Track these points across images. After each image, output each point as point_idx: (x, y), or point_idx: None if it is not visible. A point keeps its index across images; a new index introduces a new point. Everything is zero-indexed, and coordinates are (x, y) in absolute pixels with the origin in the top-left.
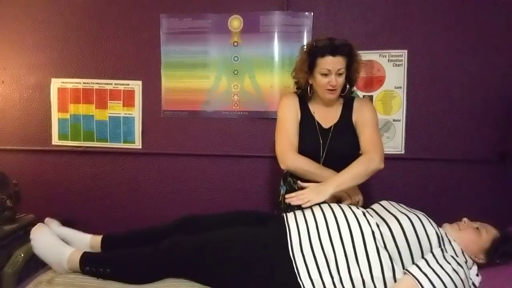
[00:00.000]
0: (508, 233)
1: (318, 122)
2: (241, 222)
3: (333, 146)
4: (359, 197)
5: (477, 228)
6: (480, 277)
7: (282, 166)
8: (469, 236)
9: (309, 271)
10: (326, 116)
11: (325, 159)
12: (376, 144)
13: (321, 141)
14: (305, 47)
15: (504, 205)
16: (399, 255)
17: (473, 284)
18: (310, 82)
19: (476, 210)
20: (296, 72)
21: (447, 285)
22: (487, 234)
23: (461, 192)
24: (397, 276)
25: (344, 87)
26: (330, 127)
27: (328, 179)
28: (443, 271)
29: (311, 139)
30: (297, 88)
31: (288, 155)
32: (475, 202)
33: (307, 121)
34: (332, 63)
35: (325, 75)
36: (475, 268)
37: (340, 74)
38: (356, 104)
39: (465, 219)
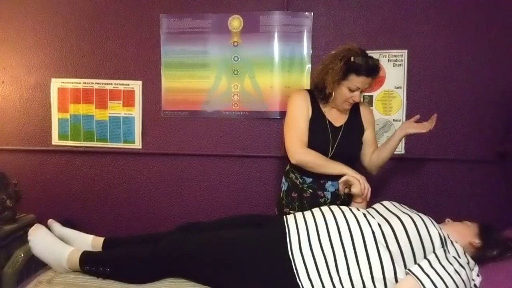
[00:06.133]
0: (486, 223)
1: (329, 121)
2: (240, 224)
3: (342, 144)
4: (367, 185)
5: (460, 222)
6: (480, 277)
7: (292, 161)
8: (458, 226)
9: (308, 271)
10: (336, 116)
11: (332, 156)
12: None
13: (331, 139)
14: (339, 56)
15: (504, 205)
16: (402, 255)
17: (475, 285)
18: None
19: (476, 210)
20: (325, 77)
21: (449, 286)
22: (472, 223)
23: (461, 192)
24: (398, 277)
25: None
26: (341, 125)
27: (337, 169)
28: (445, 272)
29: (321, 136)
30: (316, 90)
31: (298, 149)
32: (475, 202)
33: (317, 118)
34: (363, 82)
35: (352, 90)
36: (476, 269)
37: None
38: (361, 108)
39: (448, 219)
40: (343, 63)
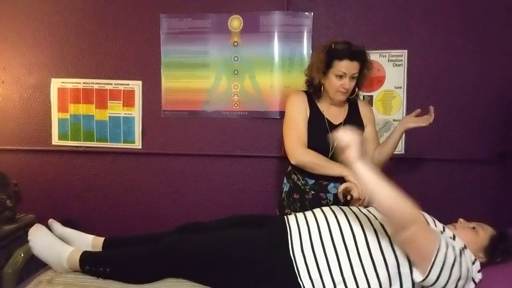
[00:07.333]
0: (504, 230)
1: (327, 120)
2: (241, 224)
3: None
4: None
5: (473, 228)
6: (480, 274)
7: (292, 161)
8: (466, 236)
9: (309, 271)
10: (335, 114)
11: (333, 155)
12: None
13: (331, 138)
14: (322, 47)
15: (504, 205)
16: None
17: (473, 279)
18: (323, 82)
19: (476, 210)
20: (311, 71)
21: (450, 259)
22: (484, 232)
23: (461, 192)
24: (402, 271)
25: (353, 90)
26: (340, 123)
27: (337, 170)
28: (448, 248)
29: (321, 135)
30: (307, 86)
31: (298, 149)
32: (475, 202)
33: (316, 118)
34: (348, 67)
35: (340, 77)
36: (477, 263)
37: (353, 78)
38: (360, 105)
39: (461, 220)
40: (325, 52)
